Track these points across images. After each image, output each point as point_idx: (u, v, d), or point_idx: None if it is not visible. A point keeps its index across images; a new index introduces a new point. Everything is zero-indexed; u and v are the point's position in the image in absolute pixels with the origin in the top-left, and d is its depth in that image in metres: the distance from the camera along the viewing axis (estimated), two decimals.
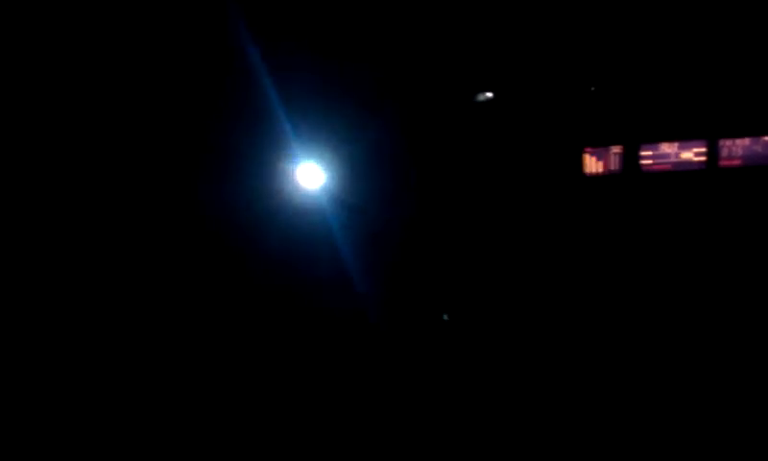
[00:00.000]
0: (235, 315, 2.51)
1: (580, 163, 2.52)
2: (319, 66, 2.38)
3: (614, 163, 2.48)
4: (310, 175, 2.47)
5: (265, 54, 2.29)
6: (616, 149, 2.48)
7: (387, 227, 2.54)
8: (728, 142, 2.33)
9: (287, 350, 2.49)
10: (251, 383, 2.43)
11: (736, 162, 2.33)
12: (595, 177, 2.51)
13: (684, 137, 2.38)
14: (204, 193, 2.45)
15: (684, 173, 2.39)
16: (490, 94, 2.60)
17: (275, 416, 2.37)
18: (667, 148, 2.41)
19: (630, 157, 2.45)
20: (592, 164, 2.51)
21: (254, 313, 2.51)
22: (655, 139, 2.42)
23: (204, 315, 2.50)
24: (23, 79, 2.40)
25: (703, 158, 2.36)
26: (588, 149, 2.51)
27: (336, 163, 2.47)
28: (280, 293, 2.50)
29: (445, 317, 2.55)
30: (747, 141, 2.30)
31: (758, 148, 2.29)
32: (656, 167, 2.43)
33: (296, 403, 2.39)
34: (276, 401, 2.40)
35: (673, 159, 2.40)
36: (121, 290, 2.51)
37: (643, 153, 2.44)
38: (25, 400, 2.39)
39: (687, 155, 2.38)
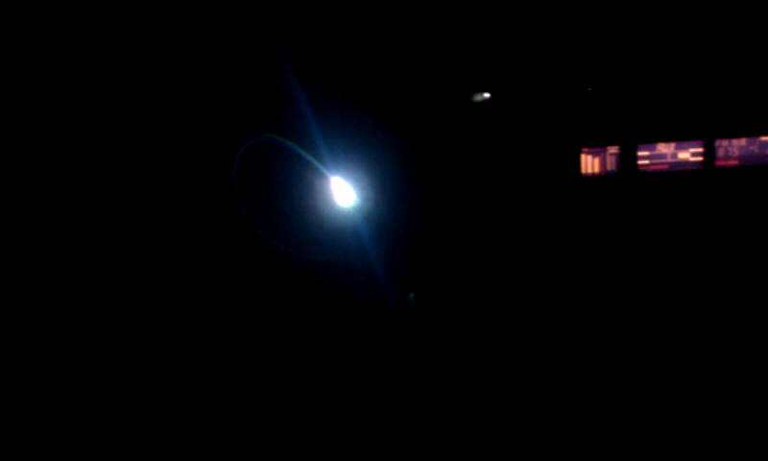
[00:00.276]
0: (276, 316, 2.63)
1: (577, 164, 2.52)
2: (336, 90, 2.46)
3: (611, 164, 2.48)
4: (342, 193, 2.57)
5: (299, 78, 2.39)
6: (613, 149, 2.48)
7: (404, 235, 2.60)
8: (724, 142, 2.33)
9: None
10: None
11: (733, 163, 2.33)
12: (592, 177, 2.51)
13: (681, 138, 2.38)
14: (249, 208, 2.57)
15: (680, 173, 2.39)
16: (486, 95, 2.60)
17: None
18: (664, 148, 2.41)
19: (626, 158, 2.46)
20: (589, 165, 2.51)
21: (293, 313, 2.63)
22: (651, 140, 2.42)
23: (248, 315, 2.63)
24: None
25: (699, 159, 2.36)
26: (585, 149, 2.51)
27: (365, 183, 2.56)
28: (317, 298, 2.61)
29: (411, 297, 2.57)
30: (743, 141, 2.31)
31: (755, 148, 2.29)
32: (652, 168, 2.43)
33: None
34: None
35: (670, 160, 2.40)
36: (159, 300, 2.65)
37: (640, 153, 2.44)
38: (24, 399, 2.44)
39: (684, 155, 2.38)
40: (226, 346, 2.62)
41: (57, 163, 2.56)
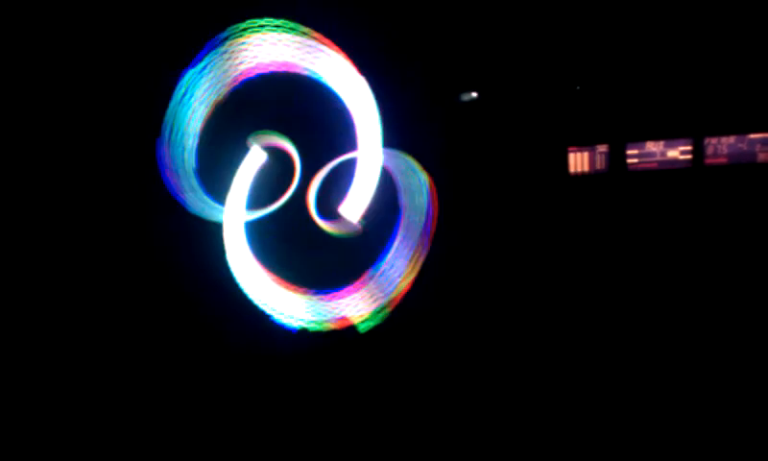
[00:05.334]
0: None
1: (565, 163, 2.50)
2: None
3: (600, 162, 2.46)
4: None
5: None
6: (602, 148, 2.46)
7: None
8: (713, 140, 2.32)
9: None
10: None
11: (722, 160, 2.32)
12: (581, 176, 2.49)
13: (670, 136, 2.37)
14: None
15: (670, 171, 2.38)
16: (474, 94, 2.57)
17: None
18: (653, 147, 2.39)
19: (616, 156, 2.44)
20: (578, 163, 2.49)
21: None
22: (641, 138, 2.40)
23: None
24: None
25: (689, 157, 2.35)
26: (574, 148, 2.49)
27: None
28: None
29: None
30: (732, 139, 2.30)
31: (743, 146, 2.28)
32: (642, 166, 2.41)
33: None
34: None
35: (659, 158, 2.39)
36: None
37: (629, 152, 2.42)
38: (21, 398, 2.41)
39: (673, 153, 2.37)
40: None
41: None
